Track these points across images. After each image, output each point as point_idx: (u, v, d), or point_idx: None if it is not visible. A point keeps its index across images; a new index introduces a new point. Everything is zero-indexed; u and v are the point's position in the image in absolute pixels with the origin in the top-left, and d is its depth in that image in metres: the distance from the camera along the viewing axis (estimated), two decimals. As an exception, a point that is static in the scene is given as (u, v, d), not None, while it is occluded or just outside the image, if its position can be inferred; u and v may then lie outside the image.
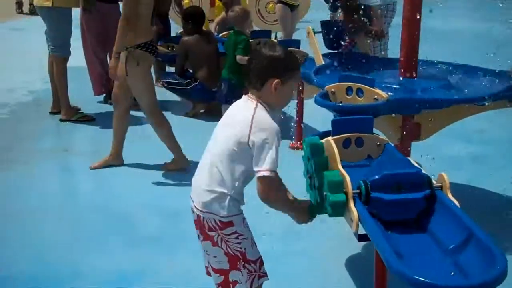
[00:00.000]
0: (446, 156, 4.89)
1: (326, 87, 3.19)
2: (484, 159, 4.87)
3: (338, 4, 4.46)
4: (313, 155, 2.36)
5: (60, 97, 5.69)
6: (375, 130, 2.79)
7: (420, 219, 2.23)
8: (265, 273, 2.39)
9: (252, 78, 2.27)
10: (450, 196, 2.21)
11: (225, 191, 2.23)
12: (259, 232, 3.38)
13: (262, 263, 2.39)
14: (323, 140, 2.51)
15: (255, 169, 2.16)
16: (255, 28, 8.87)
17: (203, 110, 6.04)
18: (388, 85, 3.37)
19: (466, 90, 3.45)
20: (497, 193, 4.14)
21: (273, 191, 2.20)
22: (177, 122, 5.88)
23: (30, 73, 7.36)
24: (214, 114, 5.46)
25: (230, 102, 5.54)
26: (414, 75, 3.54)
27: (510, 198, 4.08)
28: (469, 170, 4.55)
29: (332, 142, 2.42)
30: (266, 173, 2.14)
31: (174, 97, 6.37)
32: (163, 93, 6.46)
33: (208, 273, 2.45)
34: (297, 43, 5.12)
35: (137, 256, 3.30)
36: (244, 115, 2.21)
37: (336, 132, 2.68)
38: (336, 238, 3.41)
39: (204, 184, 2.27)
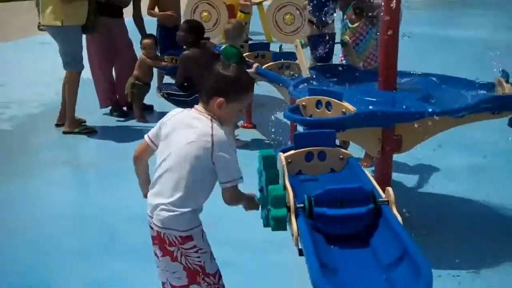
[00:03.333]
0: (445, 166, 4.84)
1: (297, 100, 3.21)
2: (481, 171, 4.78)
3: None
4: (265, 167, 2.38)
5: (67, 109, 5.81)
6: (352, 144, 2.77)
7: (366, 234, 2.22)
8: (223, 286, 2.42)
9: (202, 91, 2.34)
10: (394, 211, 2.19)
11: (186, 207, 2.26)
12: (238, 241, 3.47)
13: (220, 276, 2.42)
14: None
15: (224, 180, 2.27)
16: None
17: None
18: (364, 98, 3.37)
19: (443, 102, 3.42)
20: (489, 206, 4.08)
21: (240, 195, 2.36)
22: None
23: (46, 86, 7.56)
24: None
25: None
26: (393, 88, 3.52)
27: (497, 211, 4.01)
28: (464, 182, 4.49)
29: (282, 157, 2.43)
30: (234, 184, 2.29)
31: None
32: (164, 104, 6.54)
33: None
34: (292, 56, 5.14)
35: (114, 266, 3.37)
36: (202, 132, 2.26)
37: (299, 146, 2.69)
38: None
39: (162, 200, 2.28)
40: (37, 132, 5.98)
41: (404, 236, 2.02)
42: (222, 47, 5.77)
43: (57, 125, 5.98)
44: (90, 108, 6.40)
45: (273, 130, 5.72)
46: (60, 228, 3.88)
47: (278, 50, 6.06)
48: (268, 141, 5.55)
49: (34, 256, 3.51)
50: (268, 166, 2.36)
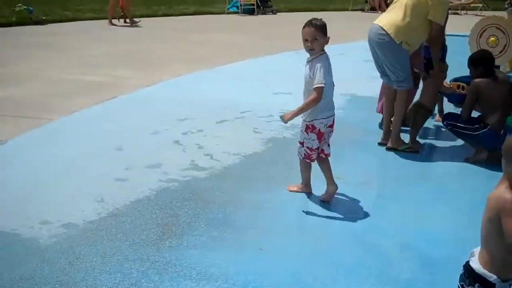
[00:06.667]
0: None
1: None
2: None
3: None
4: None
5: (394, 127, 5.88)
6: None
7: None
8: None
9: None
10: None
11: None
12: None
13: None
14: None
15: (314, 82, 4.21)
16: None
17: (485, 157, 5.62)
18: None
19: None
20: None
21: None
22: (455, 167, 5.65)
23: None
24: (497, 161, 5.08)
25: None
26: None
27: None
28: None
29: None
30: (321, 84, 4.21)
31: (452, 139, 6.22)
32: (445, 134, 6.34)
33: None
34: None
35: None
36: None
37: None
38: None
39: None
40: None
41: None
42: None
43: (380, 144, 6.05)
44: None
45: None
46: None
47: None
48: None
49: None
50: None
